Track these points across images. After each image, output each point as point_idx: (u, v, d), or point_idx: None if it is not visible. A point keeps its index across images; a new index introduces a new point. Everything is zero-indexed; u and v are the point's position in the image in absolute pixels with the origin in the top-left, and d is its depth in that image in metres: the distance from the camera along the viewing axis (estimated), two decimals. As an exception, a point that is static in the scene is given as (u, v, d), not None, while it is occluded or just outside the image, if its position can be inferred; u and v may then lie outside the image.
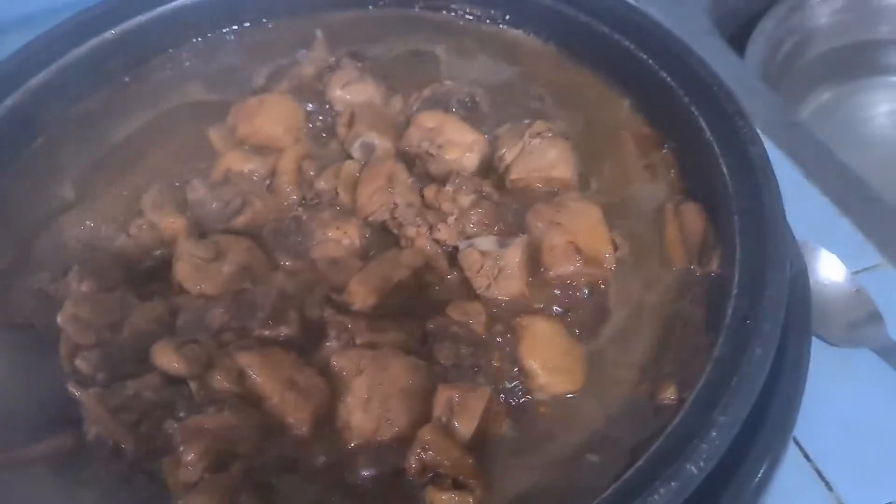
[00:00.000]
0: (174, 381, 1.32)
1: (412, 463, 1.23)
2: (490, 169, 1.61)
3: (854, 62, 2.85)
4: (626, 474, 1.13)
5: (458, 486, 1.22)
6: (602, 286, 1.44)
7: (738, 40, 2.53)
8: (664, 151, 1.64)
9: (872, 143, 2.82)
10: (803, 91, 2.78)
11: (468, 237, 1.46)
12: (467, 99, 1.69)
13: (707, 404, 1.16)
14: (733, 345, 1.23)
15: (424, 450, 1.22)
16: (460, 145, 1.58)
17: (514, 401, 1.32)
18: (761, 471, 1.28)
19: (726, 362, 1.21)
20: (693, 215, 1.51)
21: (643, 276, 1.47)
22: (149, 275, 1.50)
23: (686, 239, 1.49)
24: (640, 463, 1.13)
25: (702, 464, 1.10)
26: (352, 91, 1.70)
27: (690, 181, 1.58)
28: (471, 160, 1.58)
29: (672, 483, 1.08)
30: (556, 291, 1.43)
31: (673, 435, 1.15)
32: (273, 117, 1.65)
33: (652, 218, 1.55)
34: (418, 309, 1.43)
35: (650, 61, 1.65)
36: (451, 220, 1.45)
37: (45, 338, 1.40)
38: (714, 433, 1.12)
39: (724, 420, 1.13)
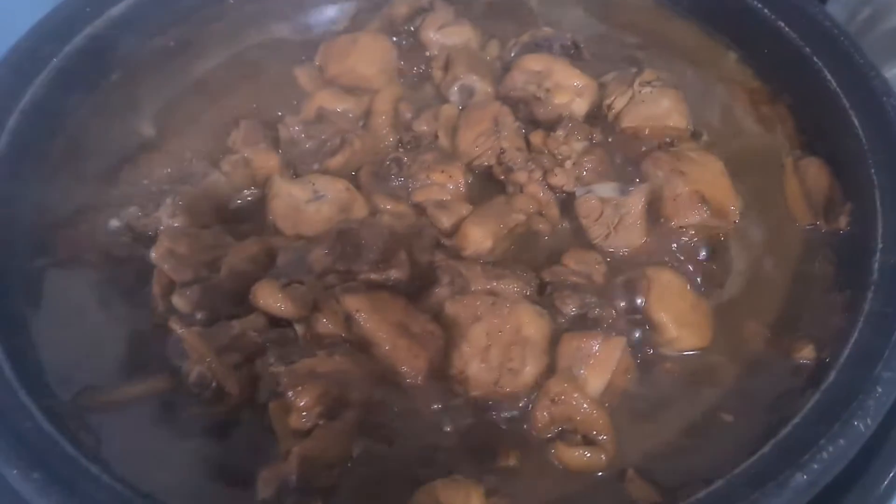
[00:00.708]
0: (278, 322, 1.24)
1: (539, 416, 1.15)
2: (596, 116, 1.52)
3: (928, 38, 2.75)
4: (783, 431, 1.05)
5: (588, 442, 1.14)
6: (723, 240, 1.37)
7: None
8: (778, 105, 1.55)
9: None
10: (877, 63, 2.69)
11: (583, 184, 1.38)
12: (570, 44, 1.60)
13: (865, 360, 1.09)
14: (885, 300, 1.16)
15: (554, 402, 1.15)
16: (569, 89, 1.49)
17: (640, 355, 1.24)
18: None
19: (880, 318, 1.14)
20: (815, 170, 1.43)
21: (765, 232, 1.39)
22: (239, 214, 1.42)
23: (809, 194, 1.41)
24: (797, 420, 1.06)
25: (869, 421, 1.02)
26: (448, 34, 1.62)
27: (810, 135, 1.50)
28: (580, 105, 1.49)
29: (840, 441, 1.00)
30: (677, 243, 1.35)
31: (830, 392, 1.08)
32: (367, 57, 1.56)
33: (769, 173, 1.47)
34: (529, 257, 1.35)
35: (765, 10, 1.57)
36: (568, 164, 1.37)
37: (134, 276, 1.32)
38: (880, 389, 1.04)
39: (889, 376, 1.06)
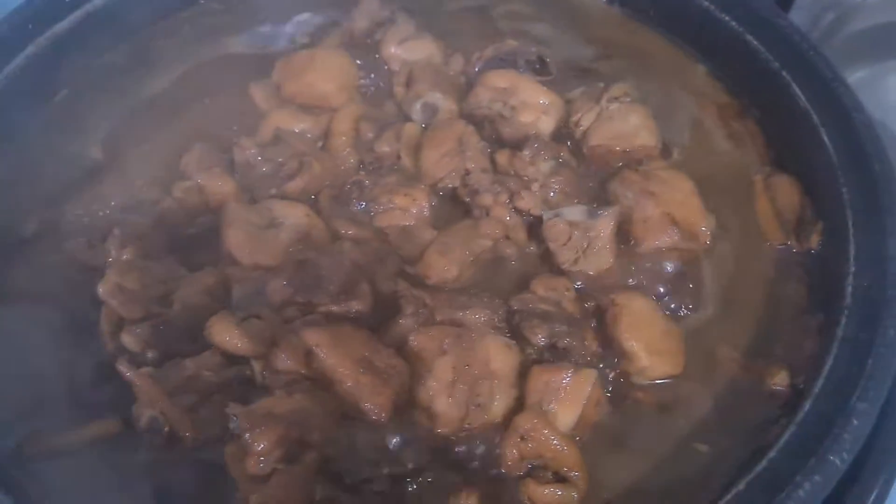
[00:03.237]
0: (234, 360, 1.18)
1: (508, 453, 1.11)
2: (563, 135, 1.48)
3: (892, 42, 2.75)
4: (758, 467, 1.02)
5: (559, 479, 1.10)
6: (695, 261, 1.33)
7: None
8: (748, 120, 1.52)
9: (905, 124, 2.73)
10: (840, 67, 2.69)
11: (551, 207, 1.34)
12: (535, 59, 1.55)
13: (840, 390, 1.06)
14: (859, 325, 1.13)
15: (523, 439, 1.10)
16: (535, 107, 1.45)
17: (611, 385, 1.20)
18: (877, 487, 1.15)
19: (854, 345, 1.11)
20: (786, 188, 1.40)
21: (736, 253, 1.36)
22: (192, 243, 1.35)
23: (780, 213, 1.38)
24: (772, 454, 1.02)
25: (845, 455, 0.99)
26: (409, 48, 1.56)
27: (780, 152, 1.47)
28: (547, 123, 1.45)
29: (816, 477, 0.97)
30: (647, 267, 1.31)
31: (805, 424, 1.05)
32: (325, 73, 1.50)
33: (739, 191, 1.44)
34: (496, 283, 1.31)
35: (733, 23, 1.53)
36: (535, 186, 1.32)
37: (81, 312, 1.25)
38: (855, 421, 1.01)
39: (863, 407, 1.03)
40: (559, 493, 1.08)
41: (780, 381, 1.19)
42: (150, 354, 1.18)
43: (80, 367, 1.22)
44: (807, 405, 1.07)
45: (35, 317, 1.26)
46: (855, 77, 2.77)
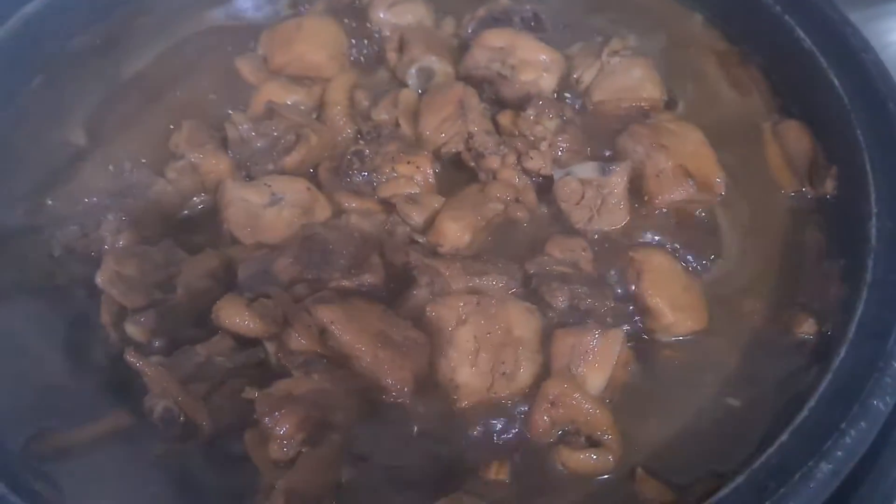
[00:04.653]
0: (246, 343, 1.13)
1: (539, 421, 1.07)
2: (565, 91, 1.44)
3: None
4: (800, 416, 0.99)
5: (592, 443, 1.07)
6: (709, 214, 1.30)
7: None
8: (751, 67, 1.49)
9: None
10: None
11: (560, 166, 1.29)
12: (530, 16, 1.50)
13: (876, 334, 1.04)
14: (889, 268, 1.10)
15: (553, 405, 1.07)
16: (535, 65, 1.40)
17: (635, 345, 1.17)
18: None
19: (886, 287, 1.08)
20: (796, 134, 1.37)
21: (750, 202, 1.33)
22: (190, 225, 1.31)
23: (791, 160, 1.35)
24: (812, 403, 1.00)
25: (888, 398, 0.97)
26: (399, 12, 1.51)
27: (786, 98, 1.44)
28: (548, 81, 1.40)
29: (861, 423, 0.95)
30: (663, 221, 1.28)
31: (843, 370, 1.02)
32: (314, 42, 1.44)
33: (749, 139, 1.41)
34: (510, 248, 1.26)
35: (729, -33, 1.49)
36: (544, 146, 1.28)
37: (79, 303, 1.20)
38: (896, 364, 0.99)
39: (903, 349, 1.00)
40: (594, 457, 1.05)
41: (807, 329, 1.16)
42: (156, 343, 1.13)
43: (83, 360, 1.16)
44: (842, 351, 1.04)
45: (32, 311, 1.21)
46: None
